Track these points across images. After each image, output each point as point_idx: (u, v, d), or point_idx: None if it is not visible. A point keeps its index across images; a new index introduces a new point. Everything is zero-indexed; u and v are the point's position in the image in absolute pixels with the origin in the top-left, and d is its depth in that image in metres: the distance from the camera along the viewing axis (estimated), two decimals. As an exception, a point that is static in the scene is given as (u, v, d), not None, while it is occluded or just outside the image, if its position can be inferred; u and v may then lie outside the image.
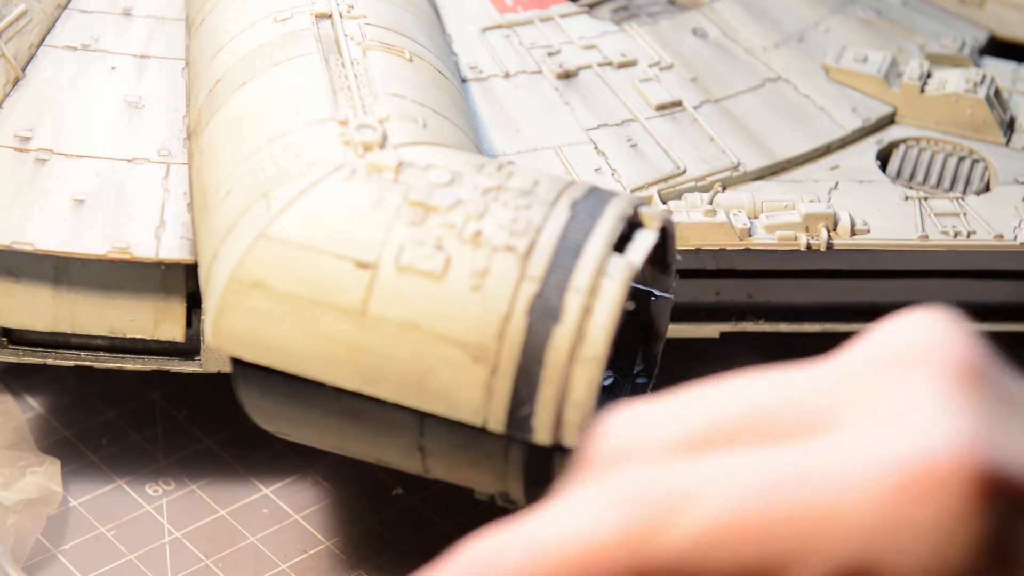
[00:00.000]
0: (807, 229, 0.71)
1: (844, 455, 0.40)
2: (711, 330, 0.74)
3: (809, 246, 0.71)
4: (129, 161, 0.69)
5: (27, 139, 0.69)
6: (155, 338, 0.68)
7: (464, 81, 0.76)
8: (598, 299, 0.56)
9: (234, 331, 0.59)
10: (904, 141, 0.78)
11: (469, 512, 0.71)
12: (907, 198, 0.74)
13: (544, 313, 0.56)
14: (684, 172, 0.73)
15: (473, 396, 0.56)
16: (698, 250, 0.71)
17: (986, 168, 0.77)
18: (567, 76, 0.77)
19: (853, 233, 0.71)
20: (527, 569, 0.41)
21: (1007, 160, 0.77)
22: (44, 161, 0.68)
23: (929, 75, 0.80)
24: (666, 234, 0.61)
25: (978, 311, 0.75)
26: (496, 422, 0.56)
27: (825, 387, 0.42)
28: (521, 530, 0.42)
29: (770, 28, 0.83)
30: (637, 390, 0.65)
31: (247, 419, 0.62)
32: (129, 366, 0.69)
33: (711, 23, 0.83)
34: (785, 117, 0.78)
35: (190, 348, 0.69)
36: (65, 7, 0.76)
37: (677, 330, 0.72)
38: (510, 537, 0.42)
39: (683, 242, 0.70)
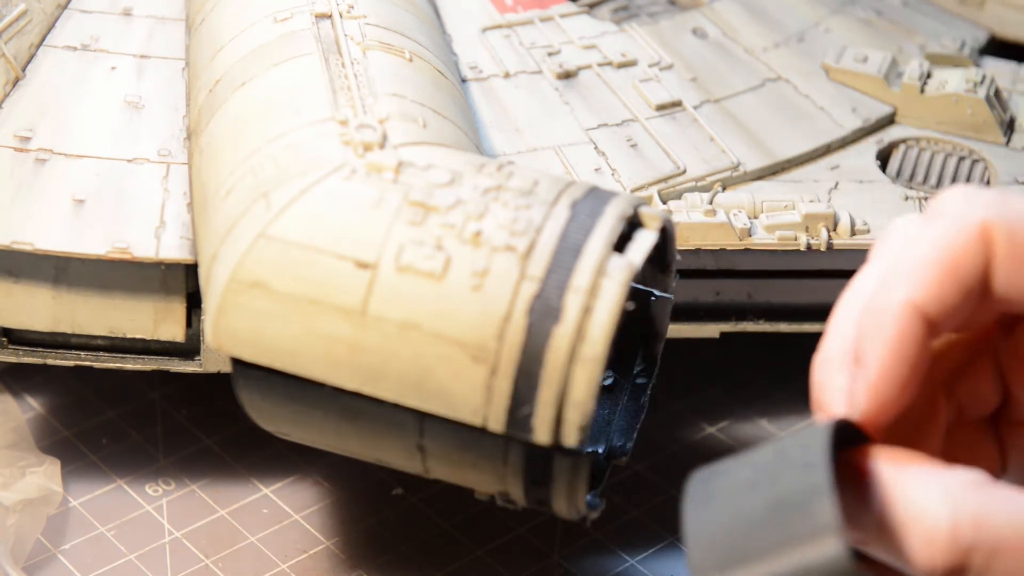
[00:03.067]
0: (807, 229, 0.71)
1: None
2: (711, 330, 0.74)
3: (809, 246, 0.71)
4: (129, 161, 0.69)
5: (27, 139, 0.69)
6: (155, 338, 0.68)
7: (464, 81, 0.76)
8: (598, 299, 0.56)
9: (234, 331, 0.59)
10: (904, 141, 0.78)
11: (469, 512, 0.71)
12: (907, 198, 0.74)
13: (544, 313, 0.56)
14: (684, 172, 0.73)
15: (473, 396, 0.56)
16: (698, 250, 0.71)
17: (986, 168, 0.77)
18: (567, 76, 0.77)
19: (853, 233, 0.71)
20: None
21: (1007, 160, 0.77)
22: (44, 161, 0.68)
23: (929, 75, 0.80)
24: (666, 234, 0.61)
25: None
26: (496, 422, 0.56)
27: None
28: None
29: (770, 28, 0.83)
30: (637, 390, 0.65)
31: (247, 419, 0.62)
32: (129, 366, 0.69)
33: (711, 23, 0.83)
34: (785, 117, 0.78)
35: (190, 348, 0.69)
36: (65, 7, 0.76)
37: (677, 330, 0.72)
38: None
39: (683, 242, 0.70)
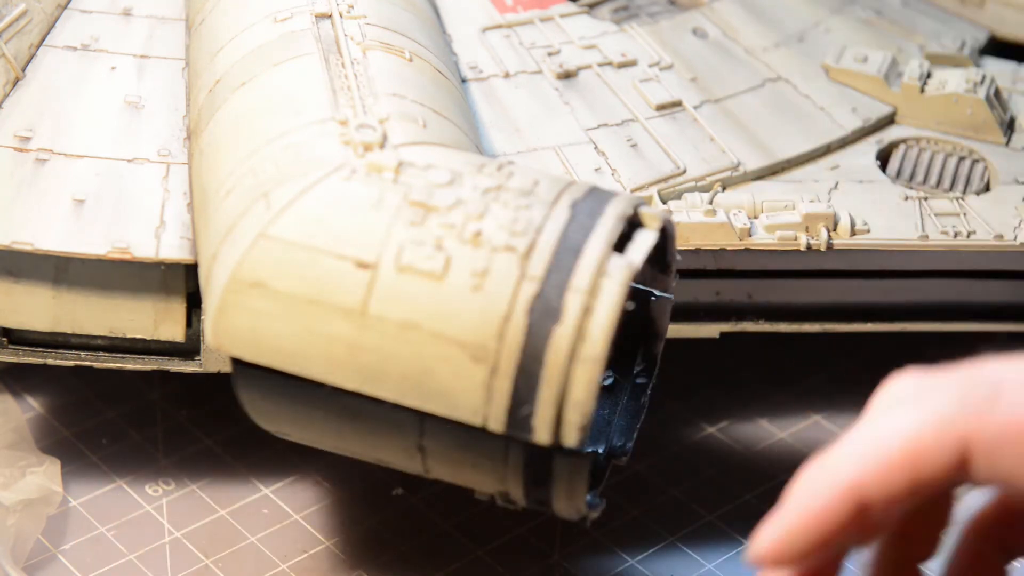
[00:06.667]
0: (807, 229, 0.71)
1: None
2: (711, 330, 0.74)
3: (809, 246, 0.71)
4: (129, 161, 0.69)
5: (27, 139, 0.69)
6: (155, 338, 0.68)
7: (464, 81, 0.76)
8: (598, 299, 0.56)
9: (234, 331, 0.59)
10: (904, 141, 0.78)
11: (469, 512, 0.71)
12: (907, 198, 0.74)
13: (544, 313, 0.56)
14: (684, 172, 0.73)
15: (473, 396, 0.56)
16: (698, 250, 0.71)
17: (986, 168, 0.77)
18: (567, 76, 0.77)
19: (853, 233, 0.71)
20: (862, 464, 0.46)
21: (1007, 160, 0.77)
22: (44, 161, 0.68)
23: (929, 75, 0.80)
24: (666, 234, 0.61)
25: (978, 311, 0.75)
26: (496, 422, 0.56)
27: None
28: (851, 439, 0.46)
29: (770, 28, 0.83)
30: (637, 390, 0.65)
31: (247, 419, 0.62)
32: (129, 366, 0.69)
33: (711, 23, 0.83)
34: (785, 117, 0.78)
35: (190, 348, 0.69)
36: (65, 7, 0.76)
37: (677, 330, 0.72)
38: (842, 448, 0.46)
39: (683, 242, 0.70)
